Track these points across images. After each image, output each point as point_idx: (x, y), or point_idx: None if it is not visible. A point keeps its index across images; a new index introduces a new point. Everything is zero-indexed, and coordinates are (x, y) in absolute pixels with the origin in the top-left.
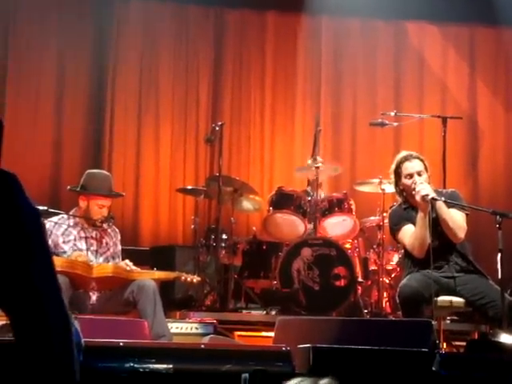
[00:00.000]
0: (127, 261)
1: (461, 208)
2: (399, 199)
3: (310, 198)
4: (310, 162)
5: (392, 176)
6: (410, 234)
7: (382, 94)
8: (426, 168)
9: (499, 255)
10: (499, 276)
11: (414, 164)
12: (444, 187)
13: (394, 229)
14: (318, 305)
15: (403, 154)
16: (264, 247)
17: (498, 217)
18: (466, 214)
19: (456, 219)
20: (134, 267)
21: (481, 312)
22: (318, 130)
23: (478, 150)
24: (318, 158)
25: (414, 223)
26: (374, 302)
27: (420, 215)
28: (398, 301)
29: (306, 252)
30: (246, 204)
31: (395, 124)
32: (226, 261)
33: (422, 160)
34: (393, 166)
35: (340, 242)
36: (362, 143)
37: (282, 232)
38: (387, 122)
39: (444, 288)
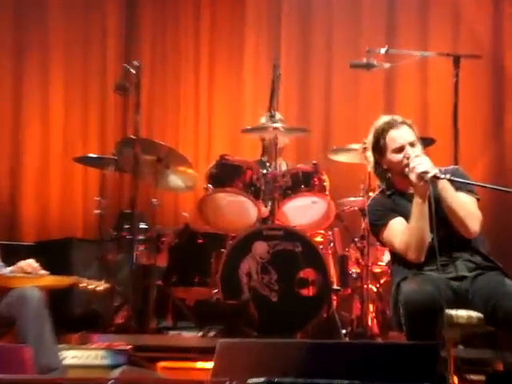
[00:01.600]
0: (31, 261)
1: (467, 191)
2: (381, 184)
3: (265, 172)
4: (264, 120)
5: (369, 153)
6: (400, 230)
7: (368, 24)
8: (416, 136)
9: None
10: None
11: (402, 132)
12: (455, 158)
13: (377, 226)
14: (276, 322)
15: (384, 120)
16: (200, 241)
17: None
18: (478, 200)
19: (468, 205)
20: (42, 271)
21: (493, 319)
22: (277, 76)
23: (504, 102)
24: (277, 115)
25: (406, 215)
26: (356, 319)
27: (416, 202)
28: (402, 313)
29: (260, 248)
30: (175, 179)
31: (386, 65)
32: (146, 261)
33: (410, 126)
34: (370, 139)
35: (308, 234)
36: (340, 94)
37: (226, 219)
38: (375, 62)
39: (455, 296)
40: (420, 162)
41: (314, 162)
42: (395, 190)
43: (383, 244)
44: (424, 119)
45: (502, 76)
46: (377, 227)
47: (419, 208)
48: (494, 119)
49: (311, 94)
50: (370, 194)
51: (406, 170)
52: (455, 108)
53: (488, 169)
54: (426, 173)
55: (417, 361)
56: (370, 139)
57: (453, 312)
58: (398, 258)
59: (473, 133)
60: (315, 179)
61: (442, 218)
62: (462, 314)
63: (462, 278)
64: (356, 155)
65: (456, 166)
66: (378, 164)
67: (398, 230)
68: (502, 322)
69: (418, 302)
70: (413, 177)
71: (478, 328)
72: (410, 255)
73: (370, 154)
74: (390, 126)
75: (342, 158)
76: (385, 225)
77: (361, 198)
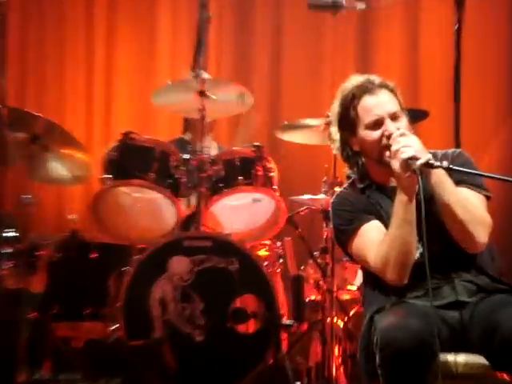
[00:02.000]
0: None
1: (473, 186)
2: (351, 174)
3: (187, 157)
4: (191, 76)
5: (333, 130)
6: (376, 239)
7: None
8: (401, 106)
9: None
10: None
11: (381, 99)
12: (456, 138)
13: (344, 233)
14: (200, 372)
15: (355, 81)
16: (93, 255)
17: None
18: (487, 198)
19: (473, 206)
20: None
21: (496, 358)
22: (205, 20)
23: None
24: (205, 75)
25: (385, 218)
26: (316, 367)
27: (400, 200)
28: (378, 360)
29: (180, 265)
30: (57, 167)
31: (360, 6)
32: (14, 284)
33: (392, 91)
34: (335, 110)
35: (248, 246)
36: (294, 49)
37: (131, 224)
38: (344, 1)
39: (452, 332)
40: (406, 144)
41: (257, 143)
42: (371, 181)
43: (353, 259)
44: (413, 85)
45: None
46: (344, 235)
47: (403, 208)
48: (510, 85)
49: (254, 48)
50: (337, 189)
51: (387, 154)
52: (456, 69)
53: (499, 155)
54: (413, 159)
55: None
56: (335, 110)
57: (450, 357)
58: (371, 280)
59: (480, 105)
60: (258, 168)
61: (434, 222)
62: (461, 359)
63: (460, 305)
64: (316, 134)
65: (458, 150)
66: (346, 145)
67: (372, 238)
68: (500, 358)
69: (399, 344)
70: (395, 164)
71: (484, 379)
72: (390, 275)
73: (335, 131)
74: (363, 90)
75: (296, 137)
76: (355, 231)
77: (323, 196)
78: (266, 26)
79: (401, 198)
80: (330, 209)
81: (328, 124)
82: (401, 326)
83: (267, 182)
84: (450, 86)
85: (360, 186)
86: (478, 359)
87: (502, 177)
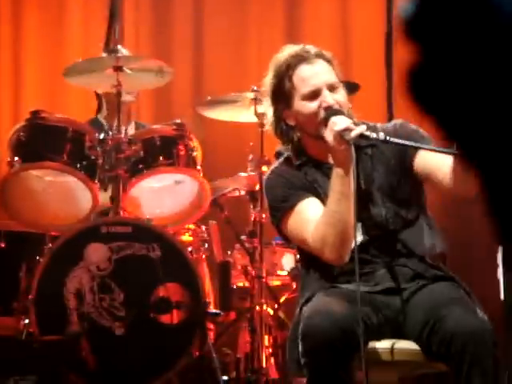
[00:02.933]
0: None
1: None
2: (284, 150)
3: (103, 136)
4: (104, 54)
5: (266, 102)
6: (314, 217)
7: None
8: (338, 76)
9: (501, 249)
10: (501, 292)
11: (318, 69)
12: (390, 114)
13: (279, 211)
14: (122, 368)
15: (290, 51)
16: (1, 244)
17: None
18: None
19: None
20: None
21: (429, 349)
22: None
23: None
24: (122, 51)
25: (323, 196)
26: (245, 358)
27: (336, 173)
28: (300, 349)
29: (97, 253)
30: None
31: None
32: None
33: (330, 61)
34: (268, 81)
35: (170, 231)
36: (217, 19)
37: (42, 210)
38: None
39: (384, 319)
40: (340, 119)
41: (179, 120)
42: (307, 158)
43: (288, 239)
44: (344, 57)
45: None
46: (278, 212)
47: (340, 182)
48: None
49: (174, 20)
50: (264, 168)
51: (323, 130)
52: (388, 38)
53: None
54: (347, 130)
55: None
56: (268, 80)
57: (381, 344)
58: (309, 262)
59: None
60: (180, 147)
61: (371, 199)
62: (387, 346)
63: (396, 291)
64: (242, 109)
65: (400, 121)
66: (280, 119)
67: (310, 216)
68: (438, 352)
69: (321, 332)
70: (329, 137)
71: (419, 367)
72: (328, 253)
73: (267, 104)
74: (299, 59)
75: (220, 114)
76: (290, 209)
77: (249, 174)
78: None
79: (337, 172)
80: (263, 185)
81: (255, 100)
82: (324, 313)
83: (190, 162)
84: (381, 57)
85: (296, 162)
86: (413, 346)
87: (442, 149)
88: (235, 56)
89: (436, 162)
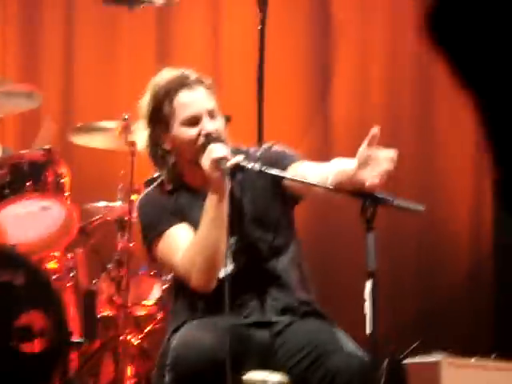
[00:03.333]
0: None
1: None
2: (160, 175)
3: None
4: None
5: (142, 125)
6: (184, 242)
7: None
8: (216, 103)
9: (368, 285)
10: (369, 326)
11: (198, 95)
12: (260, 141)
13: (150, 234)
14: None
15: (169, 75)
16: None
17: (366, 203)
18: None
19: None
20: None
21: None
22: None
23: (332, 56)
24: None
25: (195, 223)
26: None
27: (211, 199)
28: (167, 380)
29: None
30: None
31: (159, 2)
32: None
33: (209, 87)
34: (146, 104)
35: (35, 257)
36: (87, 46)
37: None
38: None
39: (256, 351)
40: (218, 147)
41: (47, 146)
42: (181, 183)
43: (158, 262)
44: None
45: (327, 21)
46: (149, 236)
47: (214, 209)
48: (318, 83)
49: (43, 45)
50: (133, 197)
51: (202, 158)
52: (260, 70)
53: (309, 156)
54: (224, 159)
55: None
56: (145, 103)
57: (248, 376)
58: (179, 290)
59: (286, 106)
60: (48, 173)
61: (246, 234)
62: (255, 377)
63: (266, 324)
64: (112, 137)
65: (267, 145)
66: (156, 142)
67: (179, 241)
68: (307, 371)
69: (188, 364)
70: (206, 163)
71: None
72: (195, 279)
73: (142, 126)
74: (179, 84)
75: (90, 141)
76: (161, 233)
77: (118, 204)
78: (55, 21)
79: (211, 198)
80: (136, 207)
81: (125, 128)
82: (192, 344)
83: (58, 189)
84: (253, 87)
85: (169, 187)
86: (284, 378)
87: (311, 182)
88: (106, 83)
89: (311, 176)
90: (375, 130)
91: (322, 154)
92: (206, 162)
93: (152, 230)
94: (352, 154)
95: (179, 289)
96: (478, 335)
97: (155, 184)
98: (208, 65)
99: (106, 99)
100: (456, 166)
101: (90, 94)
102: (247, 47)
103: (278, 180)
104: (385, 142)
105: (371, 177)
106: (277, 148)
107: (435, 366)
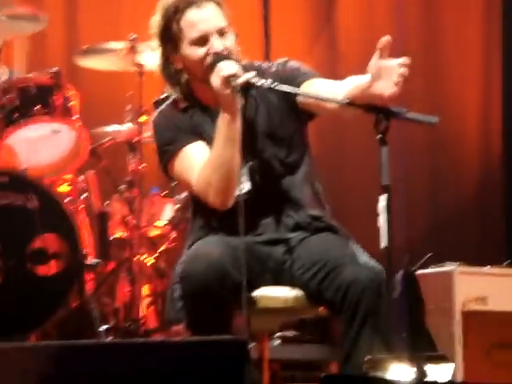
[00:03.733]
0: None
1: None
2: (173, 93)
3: None
4: None
5: (154, 44)
6: (200, 160)
7: None
8: (228, 19)
9: (384, 198)
10: (383, 240)
11: (206, 13)
12: (267, 56)
13: (167, 153)
14: (4, 319)
15: None
16: None
17: (379, 117)
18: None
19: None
20: None
21: (321, 296)
22: None
23: None
24: None
25: (210, 140)
26: (124, 308)
27: (223, 119)
28: (178, 293)
29: None
30: None
31: None
32: None
33: (219, 4)
34: (156, 22)
35: (47, 181)
36: None
37: None
38: None
39: (270, 267)
40: (226, 64)
41: (55, 69)
42: (194, 101)
43: (174, 179)
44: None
45: None
46: (165, 155)
47: (226, 128)
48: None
49: None
50: (142, 118)
51: (211, 76)
52: None
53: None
54: (234, 76)
55: (213, 365)
56: (155, 22)
57: (259, 292)
58: (196, 208)
59: (292, 22)
60: (57, 96)
61: (255, 144)
62: (268, 293)
63: (278, 241)
64: (119, 59)
65: (282, 60)
66: (167, 61)
67: (195, 159)
68: (332, 300)
69: (197, 275)
70: (216, 82)
71: (299, 313)
72: (212, 198)
73: (155, 45)
74: (188, 2)
75: (97, 63)
76: (177, 152)
77: (127, 126)
78: None
79: (223, 117)
80: (152, 126)
81: (133, 48)
82: (201, 257)
83: (67, 112)
84: (259, 6)
85: (182, 105)
86: (287, 292)
87: (324, 97)
88: (110, 3)
89: (324, 93)
90: (386, 39)
91: (329, 68)
92: (215, 80)
93: (167, 150)
94: (358, 69)
95: (196, 207)
96: (490, 245)
97: (168, 102)
98: None
99: (110, 20)
100: (464, 80)
101: (95, 15)
102: None
103: (291, 96)
104: (393, 54)
105: (388, 87)
106: (292, 64)
107: (448, 275)
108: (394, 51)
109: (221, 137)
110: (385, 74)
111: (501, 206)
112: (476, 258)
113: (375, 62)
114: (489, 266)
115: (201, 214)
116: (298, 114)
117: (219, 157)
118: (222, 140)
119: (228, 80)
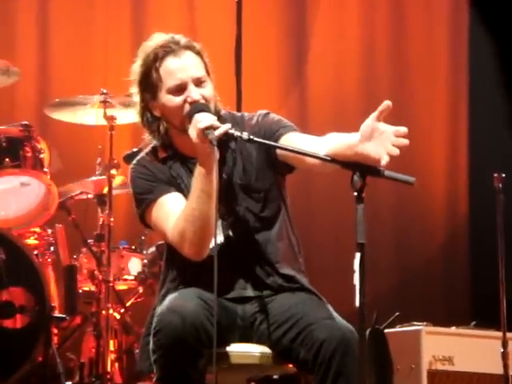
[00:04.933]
0: None
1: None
2: (151, 140)
3: None
4: None
5: (134, 90)
6: (175, 211)
7: None
8: (207, 68)
9: (358, 256)
10: (357, 299)
11: (185, 61)
12: (238, 108)
13: (143, 202)
14: None
15: (158, 40)
16: None
17: (356, 175)
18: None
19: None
20: None
21: (289, 355)
22: None
23: (305, 29)
24: None
25: (184, 192)
26: (89, 363)
27: (199, 171)
28: (151, 346)
29: None
30: None
31: None
32: None
33: (198, 53)
34: (137, 68)
35: (15, 233)
36: (62, 18)
37: None
38: None
39: (237, 325)
40: (204, 117)
41: (25, 122)
42: (174, 151)
43: (150, 228)
44: None
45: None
46: (142, 205)
47: (202, 181)
48: (294, 58)
49: (17, 18)
50: (113, 171)
51: (188, 125)
52: (238, 42)
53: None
54: (211, 128)
55: None
56: (135, 68)
57: (229, 348)
58: (170, 256)
59: (264, 77)
60: (26, 149)
61: (231, 196)
62: (237, 349)
63: (248, 300)
64: (90, 112)
65: (263, 112)
66: (146, 108)
67: (171, 210)
68: (306, 358)
69: (172, 328)
70: (193, 134)
71: (267, 370)
72: (187, 249)
73: (135, 92)
74: (167, 51)
75: (68, 116)
76: (153, 201)
77: (97, 178)
78: None
79: (199, 170)
80: (129, 174)
81: (104, 102)
82: (176, 310)
83: (37, 164)
84: (231, 57)
85: (162, 155)
86: (263, 349)
87: (303, 151)
88: (82, 57)
89: (304, 147)
90: (386, 104)
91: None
92: (192, 132)
93: (144, 199)
94: (328, 126)
95: (170, 257)
96: (456, 306)
97: (148, 150)
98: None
99: (82, 73)
100: (430, 134)
101: (67, 68)
102: (224, 20)
103: (270, 148)
104: (363, 112)
105: (379, 152)
106: (273, 116)
107: (416, 334)
108: (365, 110)
109: (196, 190)
110: (376, 137)
111: (466, 267)
112: (442, 318)
113: (371, 122)
114: (454, 327)
115: (174, 265)
116: (276, 166)
117: (194, 209)
118: (196, 193)
119: (205, 132)
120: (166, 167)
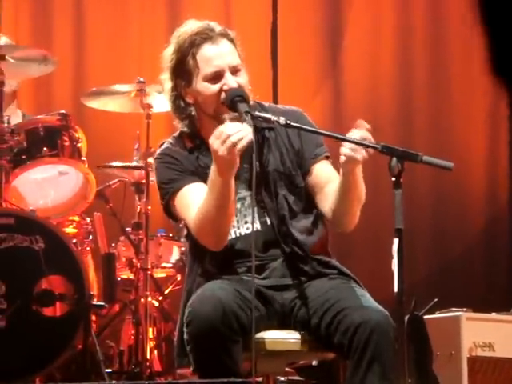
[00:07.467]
0: None
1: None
2: (180, 127)
3: None
4: None
5: (165, 77)
6: (198, 202)
7: None
8: (240, 58)
9: (396, 242)
10: (395, 284)
11: (222, 49)
12: (275, 100)
13: (167, 191)
14: (2, 361)
15: (194, 27)
16: None
17: (393, 160)
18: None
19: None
20: None
21: (328, 340)
22: None
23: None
24: (2, 37)
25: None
26: (129, 350)
27: (216, 180)
28: (185, 337)
29: None
30: None
31: None
32: None
33: (233, 41)
34: (169, 55)
35: (54, 222)
36: (98, 8)
37: None
38: None
39: (276, 311)
40: (238, 128)
41: (63, 111)
42: (201, 140)
43: (172, 219)
44: None
45: None
46: (166, 193)
47: (220, 183)
48: (329, 46)
49: (53, 9)
50: (150, 159)
51: (223, 115)
52: (273, 29)
53: (320, 116)
54: (240, 140)
55: None
56: (168, 55)
57: (266, 335)
58: (194, 246)
59: (299, 66)
60: (64, 138)
61: (266, 183)
62: (274, 336)
63: (284, 287)
64: (126, 101)
65: (295, 109)
66: (178, 95)
67: (194, 201)
68: (340, 343)
69: (204, 317)
70: (216, 147)
71: (305, 357)
72: (204, 242)
73: (166, 78)
74: (203, 37)
75: (104, 104)
76: (177, 191)
77: (135, 165)
78: None
79: (216, 178)
80: (153, 162)
81: (140, 91)
82: (208, 299)
83: (74, 153)
84: (266, 45)
85: (189, 145)
86: (291, 336)
87: (340, 136)
88: (117, 46)
89: (324, 182)
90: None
91: (333, 114)
92: (216, 146)
93: (168, 189)
94: (364, 113)
95: (195, 250)
96: (495, 292)
97: (175, 138)
98: (220, 23)
99: (118, 62)
100: (471, 124)
101: (103, 57)
102: (260, 8)
103: (302, 158)
104: (398, 100)
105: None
106: (305, 121)
107: (456, 320)
108: (400, 97)
109: (213, 190)
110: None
111: (506, 253)
112: (481, 304)
113: (349, 147)
114: (494, 313)
115: (198, 254)
116: (302, 174)
117: (211, 206)
118: (213, 198)
119: (234, 145)
120: (194, 157)
